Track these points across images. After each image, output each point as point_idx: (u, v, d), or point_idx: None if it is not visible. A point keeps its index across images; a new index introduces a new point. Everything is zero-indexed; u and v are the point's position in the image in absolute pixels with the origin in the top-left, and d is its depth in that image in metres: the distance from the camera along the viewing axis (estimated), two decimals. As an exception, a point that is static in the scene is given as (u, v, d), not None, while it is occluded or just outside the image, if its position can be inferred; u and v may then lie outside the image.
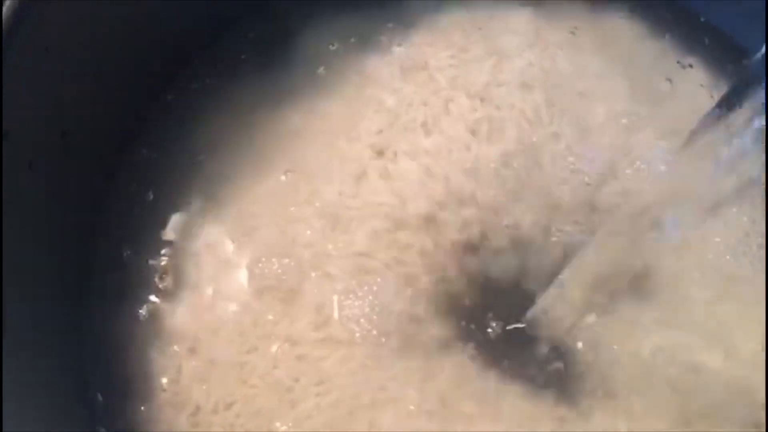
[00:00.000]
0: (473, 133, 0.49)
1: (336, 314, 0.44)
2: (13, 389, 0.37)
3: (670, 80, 0.51)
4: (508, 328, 0.44)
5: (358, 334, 0.44)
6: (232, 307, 0.45)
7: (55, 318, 0.44)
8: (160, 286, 0.46)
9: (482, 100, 0.49)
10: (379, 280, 0.45)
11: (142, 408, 0.44)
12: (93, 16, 0.43)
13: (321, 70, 0.51)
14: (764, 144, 0.47)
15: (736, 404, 0.42)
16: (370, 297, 0.44)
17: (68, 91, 0.43)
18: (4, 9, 0.39)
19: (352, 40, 0.51)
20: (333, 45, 0.51)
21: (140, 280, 0.46)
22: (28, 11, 0.39)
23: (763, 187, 0.45)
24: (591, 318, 0.43)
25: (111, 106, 0.47)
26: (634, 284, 0.44)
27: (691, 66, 0.51)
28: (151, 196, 0.48)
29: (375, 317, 0.44)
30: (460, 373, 0.43)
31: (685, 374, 0.43)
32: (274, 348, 0.44)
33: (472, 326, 0.44)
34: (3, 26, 0.38)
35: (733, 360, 0.43)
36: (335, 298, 0.45)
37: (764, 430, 0.42)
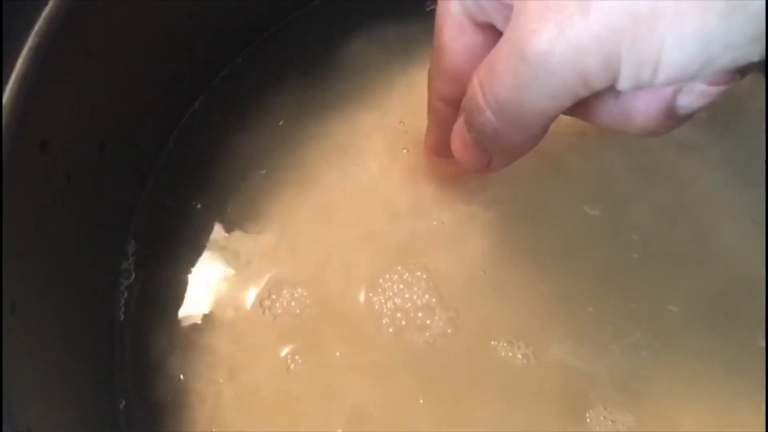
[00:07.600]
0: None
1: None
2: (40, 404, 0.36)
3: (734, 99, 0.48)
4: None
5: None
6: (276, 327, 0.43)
7: (87, 336, 0.43)
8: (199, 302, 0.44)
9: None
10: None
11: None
12: (134, 19, 0.41)
13: (367, 82, 0.48)
14: (765, 143, 0.45)
15: None
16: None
17: (107, 98, 0.41)
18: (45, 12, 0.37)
19: (399, 52, 0.49)
20: (380, 56, 0.49)
21: (177, 296, 0.45)
22: (71, 14, 0.37)
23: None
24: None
25: (149, 114, 0.46)
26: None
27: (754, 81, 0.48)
28: (190, 211, 0.46)
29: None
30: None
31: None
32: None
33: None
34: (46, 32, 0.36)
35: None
36: (384, 321, 0.43)
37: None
